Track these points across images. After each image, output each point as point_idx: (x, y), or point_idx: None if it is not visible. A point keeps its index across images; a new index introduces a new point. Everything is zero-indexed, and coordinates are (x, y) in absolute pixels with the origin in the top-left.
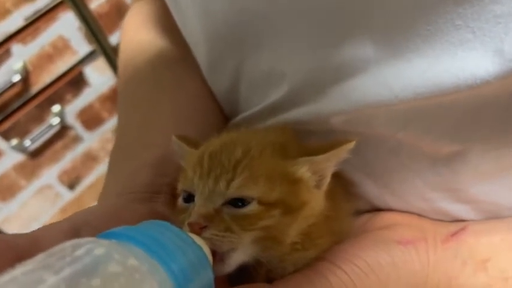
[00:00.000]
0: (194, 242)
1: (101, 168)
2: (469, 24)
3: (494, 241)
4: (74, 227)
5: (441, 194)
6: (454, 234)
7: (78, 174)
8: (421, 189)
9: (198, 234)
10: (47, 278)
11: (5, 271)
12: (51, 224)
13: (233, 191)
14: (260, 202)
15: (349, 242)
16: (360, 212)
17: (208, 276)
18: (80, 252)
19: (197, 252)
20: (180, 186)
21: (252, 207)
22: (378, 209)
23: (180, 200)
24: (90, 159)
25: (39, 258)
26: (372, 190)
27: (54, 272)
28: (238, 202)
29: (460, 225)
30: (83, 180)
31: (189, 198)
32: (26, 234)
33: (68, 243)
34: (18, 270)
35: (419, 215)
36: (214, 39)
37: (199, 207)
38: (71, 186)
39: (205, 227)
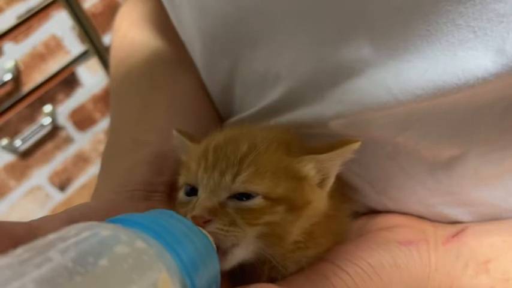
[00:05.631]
0: (201, 231)
1: (92, 170)
2: (470, 23)
3: (495, 242)
4: (72, 219)
5: (440, 198)
6: (455, 235)
7: (69, 176)
8: (420, 194)
9: (202, 227)
10: (53, 257)
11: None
12: (49, 215)
13: (238, 186)
14: (265, 197)
15: (351, 243)
16: (357, 214)
17: (215, 266)
18: (85, 234)
19: (204, 241)
20: (182, 180)
21: (257, 201)
22: (375, 211)
23: (181, 194)
24: (81, 160)
25: (43, 241)
26: (370, 195)
27: (61, 252)
28: (243, 197)
29: (460, 226)
30: (74, 181)
31: (192, 191)
32: (24, 222)
33: (72, 227)
34: (23, 252)
35: (418, 216)
36: (209, 37)
37: (203, 200)
38: (62, 187)
39: (209, 220)
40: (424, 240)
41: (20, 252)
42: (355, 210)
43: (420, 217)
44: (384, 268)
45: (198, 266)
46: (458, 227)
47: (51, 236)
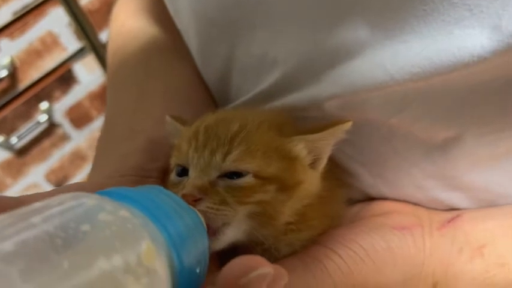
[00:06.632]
0: (190, 207)
1: (89, 168)
2: (466, 1)
3: (490, 227)
4: None
5: (436, 182)
6: (450, 220)
7: (66, 174)
8: (415, 177)
9: (192, 206)
10: (36, 223)
11: None
12: (40, 192)
13: (229, 164)
14: (256, 176)
15: (345, 227)
16: (352, 202)
17: (203, 242)
18: (71, 203)
19: (193, 216)
20: (174, 161)
21: (248, 180)
22: (371, 199)
23: (172, 175)
24: (78, 158)
25: (27, 208)
26: (366, 179)
27: (44, 219)
28: (234, 176)
29: (456, 212)
30: (70, 179)
31: (183, 172)
32: (14, 196)
33: (58, 196)
34: (6, 218)
35: (414, 203)
36: (205, 23)
37: (194, 179)
38: (59, 185)
39: (199, 199)
40: (419, 226)
41: (3, 218)
42: (350, 197)
43: (416, 204)
44: (376, 251)
45: (185, 241)
46: (454, 213)
47: (36, 205)
